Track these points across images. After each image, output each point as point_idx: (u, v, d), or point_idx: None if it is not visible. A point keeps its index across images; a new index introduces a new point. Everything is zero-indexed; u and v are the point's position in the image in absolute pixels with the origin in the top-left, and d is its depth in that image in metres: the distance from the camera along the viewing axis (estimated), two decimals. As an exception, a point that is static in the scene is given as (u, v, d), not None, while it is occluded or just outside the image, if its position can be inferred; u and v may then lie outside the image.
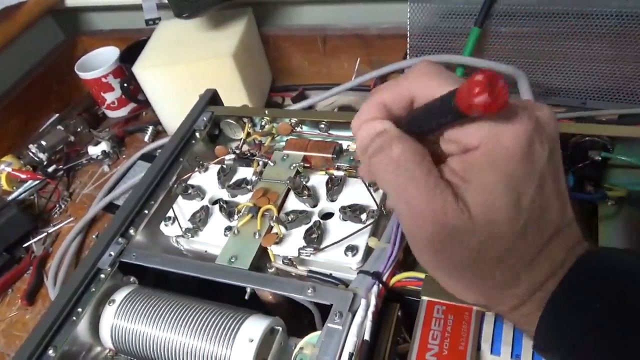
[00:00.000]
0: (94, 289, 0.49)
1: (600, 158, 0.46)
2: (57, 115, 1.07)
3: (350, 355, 0.38)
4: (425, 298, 0.41)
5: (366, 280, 0.43)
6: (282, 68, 1.04)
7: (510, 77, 0.70)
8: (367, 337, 0.39)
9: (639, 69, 0.71)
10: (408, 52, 0.85)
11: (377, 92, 0.29)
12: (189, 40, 0.90)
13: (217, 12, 0.92)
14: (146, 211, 0.56)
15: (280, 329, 0.46)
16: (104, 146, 0.92)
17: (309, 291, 0.43)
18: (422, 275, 0.43)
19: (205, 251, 0.54)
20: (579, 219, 0.29)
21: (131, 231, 0.54)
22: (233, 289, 0.48)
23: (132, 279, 0.53)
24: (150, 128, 0.97)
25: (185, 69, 0.84)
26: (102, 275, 0.50)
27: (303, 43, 0.99)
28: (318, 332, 0.43)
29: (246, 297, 0.50)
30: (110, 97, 1.03)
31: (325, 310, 0.43)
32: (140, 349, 0.47)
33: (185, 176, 0.59)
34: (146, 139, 0.96)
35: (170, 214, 0.56)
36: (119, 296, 0.49)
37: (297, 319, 0.48)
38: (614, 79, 0.73)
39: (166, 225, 0.55)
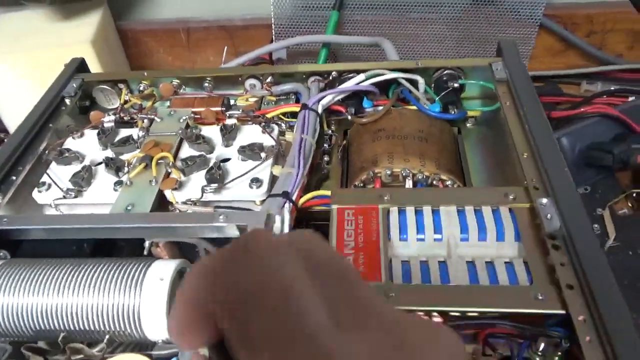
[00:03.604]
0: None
1: (457, 85, 0.54)
2: None
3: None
4: (334, 206, 0.43)
5: (276, 201, 0.44)
6: (143, 64, 1.01)
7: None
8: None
9: (478, 48, 0.86)
10: (273, 38, 0.90)
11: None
12: (38, 30, 0.82)
13: (69, 4, 0.86)
14: (14, 177, 0.49)
15: (189, 270, 0.44)
16: None
17: (221, 217, 0.42)
18: (328, 193, 0.45)
19: (91, 214, 0.50)
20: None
21: (-3, 199, 0.47)
22: (127, 247, 0.45)
23: (1, 253, 0.46)
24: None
25: (36, 59, 0.77)
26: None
27: (165, 37, 0.98)
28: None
29: (145, 253, 0.48)
30: None
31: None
32: (29, 325, 0.41)
33: (59, 141, 0.54)
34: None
35: (44, 179, 0.50)
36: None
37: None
38: (455, 57, 0.86)
39: (40, 191, 0.49)
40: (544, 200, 0.39)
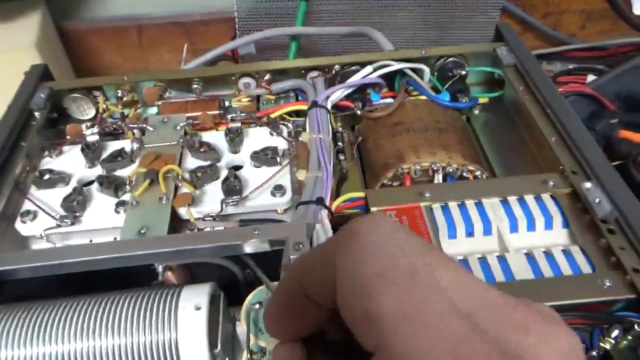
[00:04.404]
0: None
1: (465, 72, 0.53)
2: None
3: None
4: (374, 208, 0.41)
5: (310, 209, 0.41)
6: (90, 67, 0.92)
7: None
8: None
9: (439, 34, 0.86)
10: (237, 34, 0.85)
11: (294, 269, 0.19)
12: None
13: (1, 4, 0.76)
14: (-10, 209, 0.42)
15: (222, 294, 0.40)
16: None
17: (256, 232, 0.38)
18: (361, 194, 0.42)
19: (91, 241, 0.44)
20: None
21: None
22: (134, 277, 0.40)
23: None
24: None
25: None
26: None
27: (114, 36, 0.89)
28: (262, 287, 0.39)
29: (160, 279, 0.43)
30: None
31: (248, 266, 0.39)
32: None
33: (37, 162, 0.47)
34: None
35: (27, 207, 0.43)
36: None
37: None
38: (422, 42, 0.86)
39: (24, 222, 0.43)
40: (588, 185, 0.39)
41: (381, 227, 0.16)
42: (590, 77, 0.88)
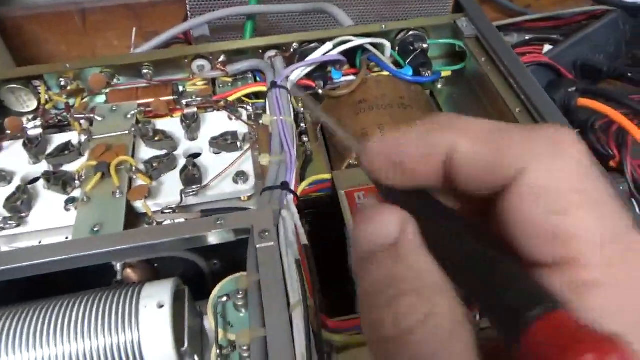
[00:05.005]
0: None
1: (426, 45, 0.52)
2: None
3: (298, 262, 0.34)
4: (342, 191, 0.39)
5: (275, 194, 0.39)
6: (32, 57, 0.85)
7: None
8: (305, 241, 0.35)
9: (395, 9, 0.84)
10: (189, 15, 0.81)
11: (449, 125, 0.15)
12: None
13: None
14: None
15: (186, 288, 0.38)
16: None
17: (219, 222, 0.36)
18: (328, 176, 0.41)
19: (40, 242, 0.41)
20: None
21: None
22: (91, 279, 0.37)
23: None
24: None
25: None
26: None
27: (55, 23, 0.83)
28: (230, 278, 0.37)
29: (118, 277, 0.40)
30: None
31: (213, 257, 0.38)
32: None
33: (-27, 160, 0.43)
34: None
35: (-35, 210, 0.40)
36: None
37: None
38: (378, 18, 0.84)
39: (-37, 227, 0.39)
40: (554, 153, 0.39)
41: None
42: (547, 48, 0.89)
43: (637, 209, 0.48)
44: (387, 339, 0.13)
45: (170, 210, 0.40)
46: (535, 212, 0.13)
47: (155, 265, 0.43)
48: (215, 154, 0.44)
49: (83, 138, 0.44)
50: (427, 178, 0.15)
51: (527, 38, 0.92)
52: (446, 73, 0.52)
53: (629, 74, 0.75)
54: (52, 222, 0.40)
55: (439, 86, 0.53)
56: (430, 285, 0.13)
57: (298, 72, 0.48)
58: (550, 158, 0.13)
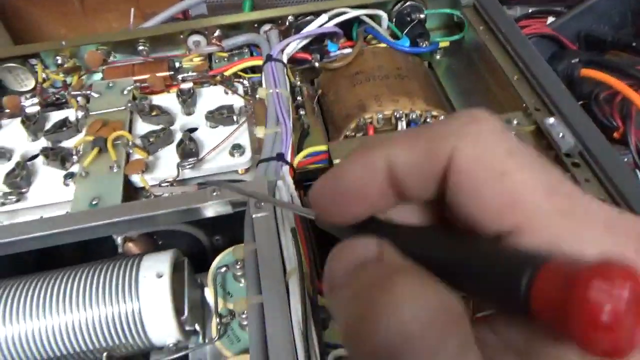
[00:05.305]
0: None
1: (423, 16, 0.51)
2: None
3: (294, 230, 0.34)
4: (338, 161, 0.39)
5: (271, 166, 0.39)
6: (30, 41, 0.84)
7: None
8: (300, 211, 0.35)
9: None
10: (187, -7, 0.80)
11: (379, 144, 0.15)
12: None
13: None
14: None
15: (186, 259, 0.38)
16: None
17: (215, 194, 0.36)
18: (324, 147, 0.41)
19: (41, 217, 0.41)
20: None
21: None
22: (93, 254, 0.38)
23: None
24: None
25: None
26: None
27: (54, 5, 0.83)
28: (229, 249, 0.37)
29: (120, 250, 0.41)
30: None
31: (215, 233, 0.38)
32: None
33: (-28, 138, 0.43)
34: None
35: (-34, 187, 0.40)
36: None
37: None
38: None
39: (-36, 204, 0.40)
40: (551, 120, 0.38)
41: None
42: (550, 20, 0.87)
43: None
44: (381, 344, 0.12)
45: (168, 184, 0.40)
46: (477, 184, 0.14)
47: (156, 237, 0.44)
48: (212, 127, 0.44)
49: (80, 114, 0.44)
50: (379, 199, 0.16)
51: (530, 11, 0.91)
52: (444, 44, 0.52)
53: (634, 44, 0.73)
54: (51, 197, 0.40)
55: (438, 57, 0.53)
56: (422, 284, 0.13)
57: (294, 44, 0.48)
58: (474, 134, 0.14)
